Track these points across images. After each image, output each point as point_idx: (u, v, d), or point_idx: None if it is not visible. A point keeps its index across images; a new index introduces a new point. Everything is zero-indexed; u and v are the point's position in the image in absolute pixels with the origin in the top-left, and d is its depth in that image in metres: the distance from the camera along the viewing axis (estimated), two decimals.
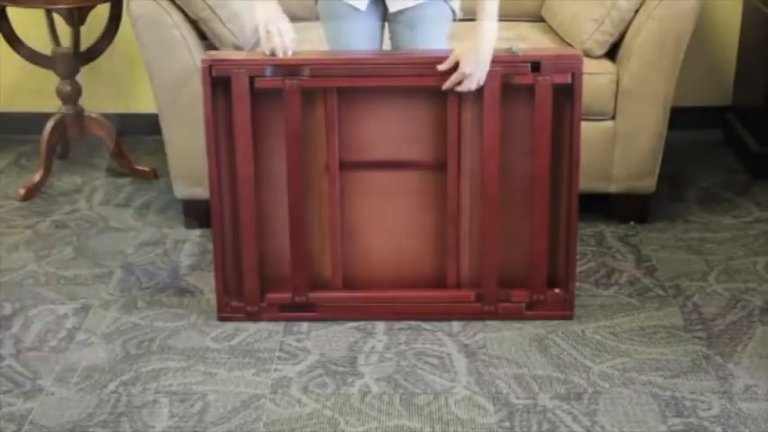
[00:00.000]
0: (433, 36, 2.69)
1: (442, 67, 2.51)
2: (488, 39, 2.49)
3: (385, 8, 2.68)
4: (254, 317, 2.71)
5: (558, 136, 2.61)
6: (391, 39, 2.75)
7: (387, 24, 2.73)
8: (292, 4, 3.40)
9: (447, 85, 2.52)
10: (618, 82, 3.08)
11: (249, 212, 2.65)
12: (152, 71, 3.07)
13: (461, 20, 2.72)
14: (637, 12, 3.07)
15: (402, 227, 2.71)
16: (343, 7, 2.63)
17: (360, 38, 2.66)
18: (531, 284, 2.70)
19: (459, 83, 2.51)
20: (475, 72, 2.49)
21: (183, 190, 3.20)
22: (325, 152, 2.63)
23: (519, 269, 2.71)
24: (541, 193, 2.62)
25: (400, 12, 2.65)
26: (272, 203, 2.69)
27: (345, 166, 2.65)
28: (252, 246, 2.67)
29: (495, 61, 2.52)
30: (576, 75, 2.55)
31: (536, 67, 2.55)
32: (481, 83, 2.52)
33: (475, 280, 2.73)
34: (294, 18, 3.44)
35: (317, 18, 2.81)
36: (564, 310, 2.71)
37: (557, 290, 2.71)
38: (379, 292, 2.73)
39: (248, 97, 2.57)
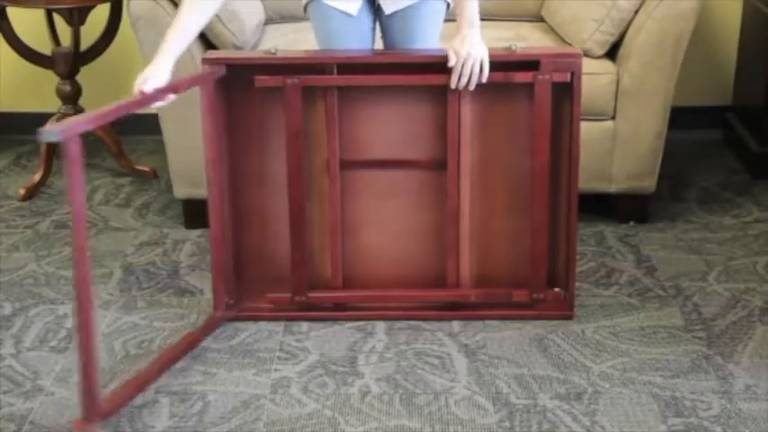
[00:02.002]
0: (428, 32, 2.68)
1: (451, 64, 2.50)
2: (471, 19, 2.50)
3: (377, 9, 2.67)
4: (253, 317, 2.72)
5: (557, 134, 2.61)
6: (384, 38, 2.73)
7: (378, 24, 2.73)
8: (290, 4, 3.42)
9: (453, 80, 2.50)
10: (618, 82, 3.08)
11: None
12: None
13: (452, 20, 2.71)
14: (637, 12, 3.07)
15: (402, 226, 2.71)
16: (334, 13, 2.63)
17: (352, 41, 2.65)
18: (531, 284, 2.69)
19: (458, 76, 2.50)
20: (469, 51, 2.47)
21: (182, 190, 3.20)
22: (326, 151, 2.63)
23: (519, 269, 2.71)
24: (541, 192, 2.62)
25: (395, 12, 2.65)
26: (272, 203, 2.69)
27: (345, 165, 2.65)
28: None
29: (494, 60, 2.52)
30: (576, 73, 2.55)
31: (535, 65, 2.55)
32: (486, 65, 2.49)
33: (475, 280, 2.73)
34: (293, 18, 3.47)
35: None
36: (564, 310, 2.71)
37: (557, 290, 2.71)
38: (378, 291, 2.73)
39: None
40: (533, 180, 2.62)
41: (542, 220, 2.64)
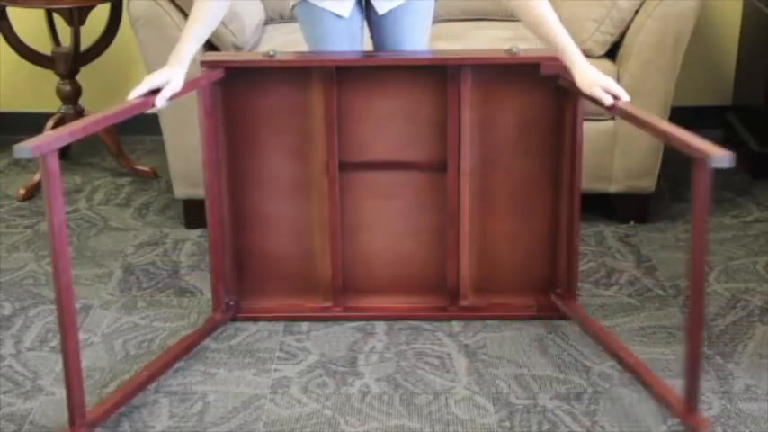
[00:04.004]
0: (420, 30, 2.68)
1: (609, 103, 2.38)
2: (578, 54, 2.42)
3: (366, 9, 2.67)
4: (253, 318, 2.72)
5: (558, 136, 2.61)
6: (373, 37, 2.72)
7: (367, 23, 2.72)
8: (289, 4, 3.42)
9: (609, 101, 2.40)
10: (618, 82, 3.07)
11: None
12: (151, 71, 3.05)
13: (452, 20, 2.70)
14: (637, 12, 3.07)
15: (402, 227, 2.71)
16: (325, 14, 2.62)
17: (343, 43, 2.64)
18: (531, 285, 2.70)
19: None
20: (607, 82, 2.40)
21: (182, 190, 3.21)
22: (325, 152, 2.63)
23: (519, 270, 2.71)
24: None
25: (388, 11, 2.64)
26: (271, 204, 2.69)
27: (345, 166, 2.65)
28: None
29: (496, 63, 2.52)
30: None
31: (535, 67, 2.54)
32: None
33: (476, 286, 2.72)
34: (293, 18, 3.47)
35: None
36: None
37: (557, 290, 2.71)
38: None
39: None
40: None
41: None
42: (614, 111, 2.38)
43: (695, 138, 2.08)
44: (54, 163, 2.04)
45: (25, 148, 1.99)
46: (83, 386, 2.20)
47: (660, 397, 2.25)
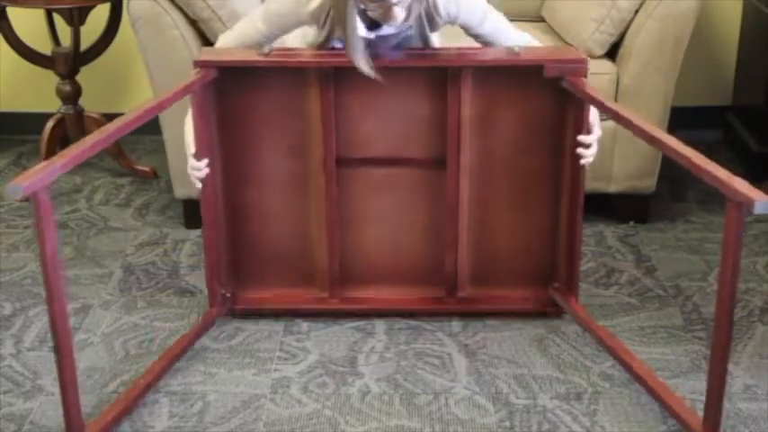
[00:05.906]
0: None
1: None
2: None
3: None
4: (250, 308, 2.72)
5: (560, 136, 2.60)
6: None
7: None
8: None
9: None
10: (618, 82, 3.08)
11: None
12: (152, 71, 3.07)
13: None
14: (637, 12, 3.07)
15: (401, 223, 2.71)
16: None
17: None
18: (529, 278, 2.70)
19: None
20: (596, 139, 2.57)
21: (182, 190, 3.20)
22: (322, 149, 2.62)
23: (517, 263, 2.71)
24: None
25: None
26: (269, 198, 2.68)
27: (344, 162, 2.64)
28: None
29: (498, 64, 2.52)
30: (581, 76, 2.53)
31: (538, 68, 2.53)
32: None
33: (474, 278, 2.73)
34: None
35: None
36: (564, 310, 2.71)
37: (555, 285, 2.71)
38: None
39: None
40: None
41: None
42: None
43: (732, 177, 2.04)
44: (46, 198, 2.01)
45: (18, 187, 1.96)
46: (81, 412, 2.19)
47: (674, 413, 2.24)
